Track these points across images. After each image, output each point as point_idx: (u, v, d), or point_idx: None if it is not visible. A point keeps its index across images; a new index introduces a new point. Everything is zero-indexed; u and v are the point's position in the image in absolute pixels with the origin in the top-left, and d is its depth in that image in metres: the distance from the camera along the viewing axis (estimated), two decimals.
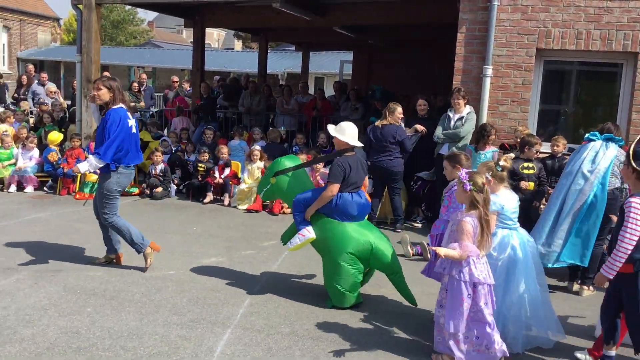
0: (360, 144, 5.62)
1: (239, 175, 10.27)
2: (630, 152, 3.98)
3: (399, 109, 8.55)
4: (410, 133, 8.81)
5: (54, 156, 10.32)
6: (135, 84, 14.97)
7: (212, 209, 9.64)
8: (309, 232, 5.46)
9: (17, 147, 10.55)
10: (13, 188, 10.14)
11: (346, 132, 5.47)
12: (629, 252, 3.90)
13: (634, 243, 3.89)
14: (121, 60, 32.10)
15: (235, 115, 13.30)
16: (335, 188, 5.33)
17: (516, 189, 6.53)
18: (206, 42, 15.20)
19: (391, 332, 5.02)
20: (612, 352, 4.27)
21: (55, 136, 10.69)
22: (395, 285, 5.59)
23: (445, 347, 4.35)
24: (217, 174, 10.14)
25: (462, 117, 8.27)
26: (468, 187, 4.21)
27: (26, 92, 14.26)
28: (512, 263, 4.65)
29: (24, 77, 14.98)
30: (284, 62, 29.59)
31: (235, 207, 9.80)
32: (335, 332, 4.94)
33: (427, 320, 5.24)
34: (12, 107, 13.03)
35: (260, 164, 9.96)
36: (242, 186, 9.84)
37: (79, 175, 10.00)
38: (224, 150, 10.32)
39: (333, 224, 5.45)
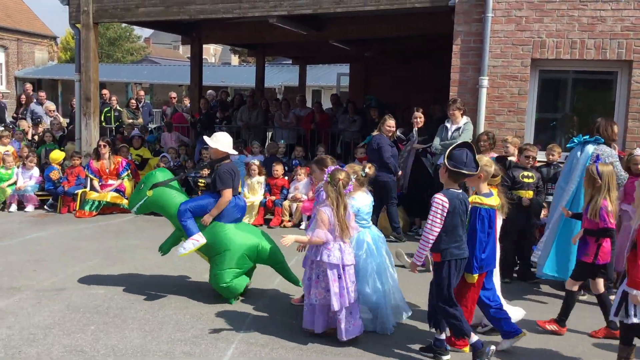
0: (235, 152, 6.12)
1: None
2: (447, 153, 4.49)
3: (390, 122, 8.64)
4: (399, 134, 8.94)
5: (56, 174, 10.37)
6: (133, 101, 15.04)
7: None
8: (201, 237, 5.72)
9: (17, 167, 10.59)
10: (14, 207, 10.17)
11: (224, 142, 5.90)
12: (431, 242, 4.45)
13: (436, 234, 4.43)
14: (118, 77, 32.24)
15: (234, 130, 13.35)
16: (229, 193, 5.78)
17: (512, 198, 6.55)
18: (203, 57, 15.27)
19: (397, 343, 5.05)
20: (442, 337, 4.75)
21: (57, 154, 10.74)
22: (280, 273, 6.13)
23: (318, 324, 5.00)
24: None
25: (459, 128, 8.33)
26: (325, 179, 4.90)
27: (24, 111, 14.31)
28: (371, 256, 5.30)
29: (23, 96, 15.04)
30: (281, 75, 29.74)
31: None
32: (341, 345, 4.96)
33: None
34: (11, 127, 13.06)
35: (260, 179, 10.00)
36: None
37: (79, 193, 10.05)
38: None
39: (221, 227, 5.81)
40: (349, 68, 18.81)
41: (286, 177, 10.22)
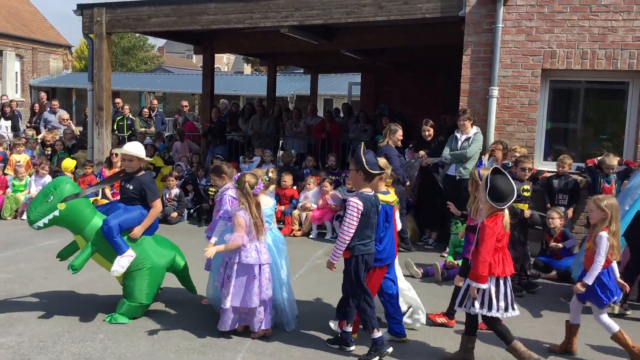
0: (149, 159, 6.05)
1: None
2: (362, 159, 4.77)
3: (400, 132, 8.62)
4: (413, 159, 8.92)
5: None
6: (146, 110, 15.17)
7: None
8: (132, 252, 5.49)
9: (30, 175, 10.70)
10: (26, 215, 10.25)
11: (143, 151, 5.74)
12: (347, 242, 4.76)
13: (351, 234, 4.75)
14: (132, 85, 32.54)
15: (244, 138, 13.42)
16: (160, 204, 5.70)
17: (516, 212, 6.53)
18: (216, 65, 15.40)
19: (405, 348, 5.04)
20: (349, 328, 5.06)
21: (69, 163, 10.85)
22: (182, 281, 6.16)
23: (250, 322, 5.26)
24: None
25: (469, 138, 8.31)
26: (233, 185, 5.35)
27: (38, 119, 14.47)
28: (273, 257, 5.47)
29: (37, 105, 15.21)
30: (293, 84, 29.86)
31: None
32: (348, 355, 4.95)
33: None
34: (24, 136, 13.21)
35: (271, 188, 10.00)
36: None
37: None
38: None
39: (142, 240, 5.61)
40: (360, 77, 18.85)
41: (295, 187, 10.25)
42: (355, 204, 4.74)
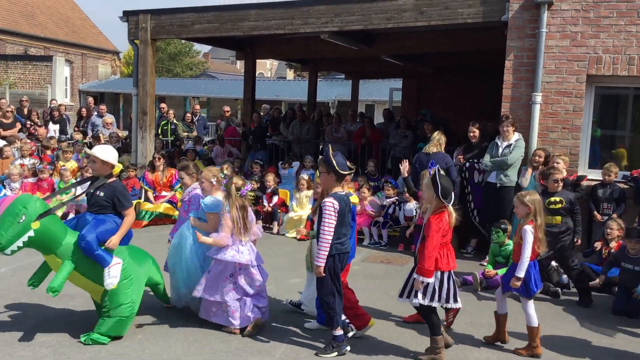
0: (120, 165, 5.75)
1: (287, 203, 10.40)
2: (332, 160, 4.94)
3: (444, 139, 8.57)
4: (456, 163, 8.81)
5: None
6: (189, 115, 15.43)
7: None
8: (118, 259, 5.17)
9: (76, 179, 10.98)
10: (71, 216, 10.53)
11: (114, 156, 5.40)
12: (329, 242, 4.89)
13: (332, 234, 4.89)
14: (177, 91, 33.13)
15: (284, 143, 13.50)
16: (133, 211, 5.46)
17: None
18: (259, 71, 15.57)
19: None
20: (339, 332, 5.10)
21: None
22: (155, 292, 5.96)
23: (222, 317, 5.47)
24: (265, 202, 10.29)
25: (510, 145, 8.17)
26: (222, 187, 5.53)
27: (85, 123, 14.88)
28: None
29: (84, 109, 15.64)
30: (334, 90, 29.91)
31: (284, 235, 9.91)
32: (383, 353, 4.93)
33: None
34: (71, 141, 13.59)
35: (308, 193, 10.06)
36: (291, 214, 9.96)
37: (134, 203, 10.34)
38: (270, 178, 10.48)
39: (119, 252, 5.23)
40: (401, 83, 18.76)
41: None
42: (332, 204, 4.92)
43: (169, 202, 10.51)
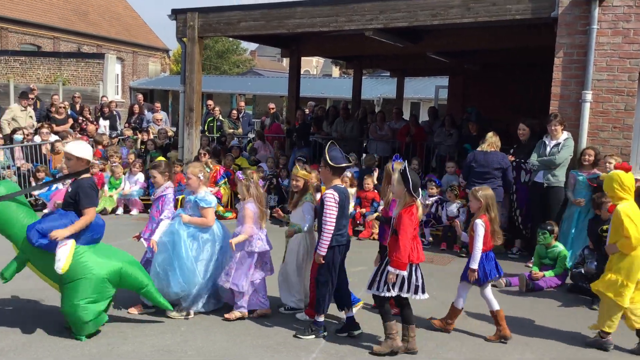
0: (97, 162, 5.56)
1: None
2: (326, 155, 5.25)
3: (498, 140, 8.53)
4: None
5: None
6: (234, 112, 15.62)
7: None
8: (68, 241, 4.92)
9: (124, 173, 11.26)
10: (120, 210, 10.83)
11: (88, 152, 5.28)
12: (332, 232, 5.16)
13: (334, 225, 5.15)
14: (224, 88, 33.52)
15: (325, 140, 13.50)
16: (94, 212, 5.13)
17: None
18: (305, 68, 15.65)
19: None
20: (352, 313, 5.45)
21: (159, 159, 11.36)
22: (146, 297, 5.54)
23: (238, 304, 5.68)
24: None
25: (559, 144, 7.98)
26: (241, 177, 5.70)
27: (137, 119, 15.22)
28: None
29: (136, 106, 16.00)
30: (379, 87, 29.75)
31: None
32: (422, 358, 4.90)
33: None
34: (120, 136, 13.93)
35: (352, 190, 10.04)
36: None
37: (180, 198, 10.55)
38: (314, 175, 10.46)
39: (80, 250, 5.03)
40: (447, 80, 18.52)
41: (376, 190, 10.20)
42: (332, 196, 5.19)
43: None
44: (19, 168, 11.03)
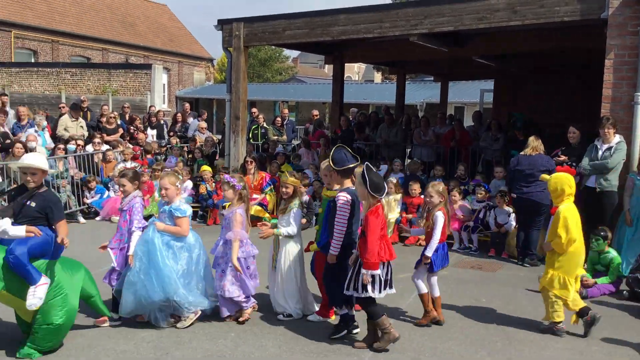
0: (52, 170, 5.31)
1: None
2: (331, 162, 5.44)
3: (540, 144, 8.38)
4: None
5: (203, 188, 11.15)
6: (278, 119, 15.77)
7: None
8: (46, 279, 4.82)
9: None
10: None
11: (45, 164, 5.12)
12: (344, 233, 5.28)
13: (346, 225, 5.29)
14: (267, 95, 33.89)
15: (369, 147, 13.50)
16: (66, 224, 5.04)
17: None
18: (347, 74, 15.69)
19: None
20: (344, 311, 5.49)
21: (206, 167, 11.57)
22: (92, 306, 5.47)
23: (232, 308, 5.78)
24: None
25: (611, 147, 7.79)
26: (239, 187, 5.78)
27: (181, 128, 15.53)
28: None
29: (179, 114, 16.33)
30: (422, 92, 29.56)
31: None
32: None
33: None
34: (168, 145, 14.23)
35: (397, 196, 10.02)
36: None
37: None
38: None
39: (51, 264, 4.92)
40: (493, 84, 18.27)
41: (422, 196, 10.14)
42: (345, 198, 5.33)
43: (260, 204, 10.78)
44: (72, 177, 11.38)
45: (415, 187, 10.06)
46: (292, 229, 5.90)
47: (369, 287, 5.06)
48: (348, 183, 5.46)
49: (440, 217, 5.68)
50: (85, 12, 33.56)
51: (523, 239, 8.44)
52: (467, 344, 5.42)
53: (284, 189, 5.97)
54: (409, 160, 12.79)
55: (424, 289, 5.83)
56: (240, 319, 5.80)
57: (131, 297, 5.45)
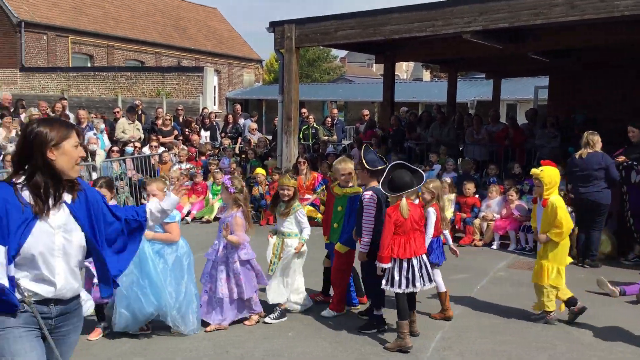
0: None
1: None
2: (362, 159, 5.62)
3: (596, 138, 8.07)
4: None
5: (256, 190, 11.28)
6: (329, 119, 15.80)
7: None
8: None
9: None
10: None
11: None
12: (371, 230, 5.46)
13: (373, 223, 5.47)
14: (316, 96, 33.97)
15: (419, 146, 13.37)
16: None
17: None
18: (395, 73, 15.56)
19: None
20: (381, 312, 5.69)
21: (260, 170, 11.70)
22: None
23: (239, 312, 5.71)
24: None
25: None
26: (232, 190, 5.57)
27: (232, 129, 15.73)
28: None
29: (230, 116, 16.54)
30: (473, 90, 29.11)
31: None
32: None
33: None
34: (220, 146, 14.43)
35: (450, 196, 9.90)
36: None
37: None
38: None
39: None
40: (547, 80, 17.82)
41: (476, 195, 10.00)
42: (371, 196, 5.52)
43: (312, 204, 10.82)
44: (130, 179, 11.68)
45: (470, 187, 9.92)
46: (308, 229, 5.98)
47: (383, 281, 5.27)
48: (374, 183, 5.60)
49: (432, 213, 5.78)
50: (139, 17, 34.40)
51: (584, 240, 8.21)
52: (526, 346, 5.32)
53: (284, 192, 5.91)
54: (461, 160, 12.62)
55: (443, 287, 5.92)
56: (248, 323, 5.75)
57: (124, 311, 5.28)
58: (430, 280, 5.35)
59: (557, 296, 5.84)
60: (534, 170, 6.01)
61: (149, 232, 5.17)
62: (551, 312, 5.84)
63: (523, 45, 11.59)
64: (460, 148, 13.83)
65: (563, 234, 5.75)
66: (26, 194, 2.78)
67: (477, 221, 9.58)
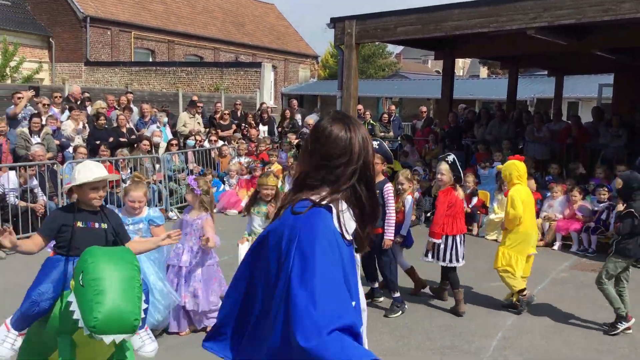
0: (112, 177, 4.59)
1: (487, 204, 10.20)
2: (385, 152, 6.01)
3: None
4: None
5: None
6: (385, 115, 15.79)
7: None
8: None
9: (284, 177, 11.81)
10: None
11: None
12: (394, 220, 5.89)
13: (395, 213, 5.93)
14: (371, 92, 33.88)
15: (475, 144, 13.19)
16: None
17: None
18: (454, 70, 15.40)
19: None
20: (397, 294, 6.11)
21: None
22: None
23: (184, 325, 5.41)
24: (464, 204, 10.18)
25: None
26: (198, 192, 5.35)
27: (289, 124, 15.91)
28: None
29: (287, 111, 16.73)
30: (533, 87, 28.45)
31: (483, 237, 9.74)
32: None
33: None
34: (278, 140, 14.63)
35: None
36: (492, 216, 9.74)
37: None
38: (470, 179, 10.32)
39: None
40: (612, 78, 17.28)
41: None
42: (392, 188, 5.98)
43: None
44: (191, 171, 11.99)
45: (469, 180, 9.97)
46: None
47: (429, 255, 6.07)
48: (382, 176, 5.98)
49: (408, 200, 6.39)
50: (199, 13, 35.08)
51: None
52: (590, 350, 5.24)
53: (266, 191, 5.53)
54: None
55: (407, 264, 6.60)
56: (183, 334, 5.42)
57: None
58: (458, 260, 6.06)
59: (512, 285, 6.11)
60: (498, 167, 6.37)
61: (138, 238, 4.62)
62: (523, 291, 6.10)
63: (588, 42, 11.30)
64: (520, 146, 13.59)
65: (510, 221, 6.08)
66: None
67: (538, 221, 9.42)
